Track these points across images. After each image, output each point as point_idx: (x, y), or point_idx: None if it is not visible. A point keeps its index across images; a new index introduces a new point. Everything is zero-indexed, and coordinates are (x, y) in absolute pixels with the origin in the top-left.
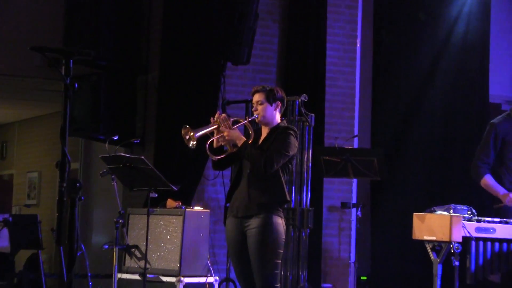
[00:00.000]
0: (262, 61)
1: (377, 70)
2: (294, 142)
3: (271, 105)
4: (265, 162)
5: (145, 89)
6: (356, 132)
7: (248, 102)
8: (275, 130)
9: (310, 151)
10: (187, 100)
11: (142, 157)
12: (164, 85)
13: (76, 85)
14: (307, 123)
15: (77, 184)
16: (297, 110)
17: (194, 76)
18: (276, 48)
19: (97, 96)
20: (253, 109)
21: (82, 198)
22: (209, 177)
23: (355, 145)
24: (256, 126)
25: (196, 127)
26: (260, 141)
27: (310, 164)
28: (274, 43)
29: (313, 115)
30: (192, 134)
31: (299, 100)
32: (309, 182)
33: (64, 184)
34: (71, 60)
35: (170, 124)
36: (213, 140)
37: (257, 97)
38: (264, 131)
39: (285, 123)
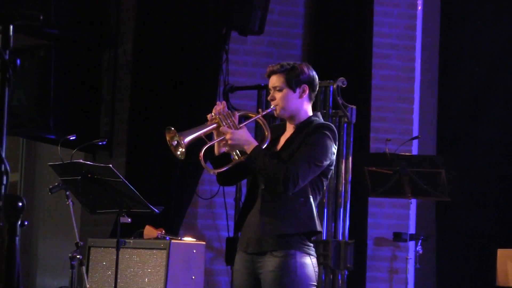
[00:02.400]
0: (282, 29)
1: (446, 43)
2: (331, 147)
3: (294, 91)
4: (285, 176)
5: (114, 70)
6: (415, 132)
7: (261, 88)
8: (304, 128)
9: (350, 159)
10: (174, 85)
11: (110, 165)
12: (141, 63)
13: (19, 62)
14: (346, 119)
15: (19, 204)
16: (331, 100)
17: (184, 51)
18: (302, 11)
19: (46, 79)
20: (268, 98)
21: (26, 222)
22: (204, 194)
23: (415, 151)
24: (274, 121)
25: (187, 124)
26: (282, 143)
27: (350, 178)
28: (299, 4)
29: (354, 107)
30: (180, 138)
31: (334, 86)
32: (348, 204)
33: (0, 203)
34: (12, 26)
35: (149, 119)
36: (211, 146)
37: (274, 81)
38: (289, 129)
39: (319, 118)
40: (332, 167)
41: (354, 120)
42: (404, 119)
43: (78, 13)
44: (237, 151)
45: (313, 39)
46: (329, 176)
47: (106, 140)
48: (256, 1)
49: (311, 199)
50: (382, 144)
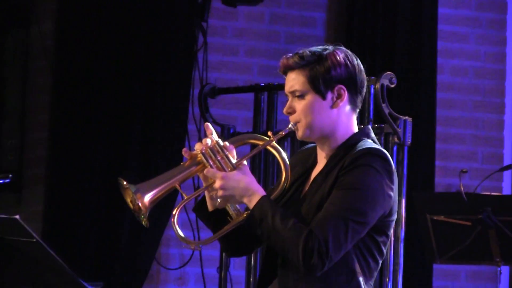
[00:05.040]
0: None
1: None
2: (382, 188)
3: (324, 98)
4: (305, 249)
5: (25, 61)
6: (508, 158)
7: (261, 90)
8: (341, 154)
9: (403, 201)
10: (119, 85)
11: (17, 216)
12: (67, 51)
13: None
14: (396, 139)
15: None
16: (371, 108)
17: (136, 32)
18: None
19: None
20: (284, 111)
21: None
22: (170, 262)
23: (507, 189)
24: (300, 145)
25: (141, 149)
26: (311, 178)
27: (403, 233)
28: None
29: (409, 119)
30: (138, 198)
31: (377, 85)
32: (401, 274)
33: None
34: None
35: (81, 142)
36: (201, 197)
37: (290, 82)
38: (321, 158)
39: (369, 137)
40: (393, 218)
41: (409, 140)
42: (490, 138)
43: None
44: (236, 206)
45: (344, 12)
46: (390, 233)
47: (11, 176)
48: None
49: (359, 274)
50: (455, 177)
